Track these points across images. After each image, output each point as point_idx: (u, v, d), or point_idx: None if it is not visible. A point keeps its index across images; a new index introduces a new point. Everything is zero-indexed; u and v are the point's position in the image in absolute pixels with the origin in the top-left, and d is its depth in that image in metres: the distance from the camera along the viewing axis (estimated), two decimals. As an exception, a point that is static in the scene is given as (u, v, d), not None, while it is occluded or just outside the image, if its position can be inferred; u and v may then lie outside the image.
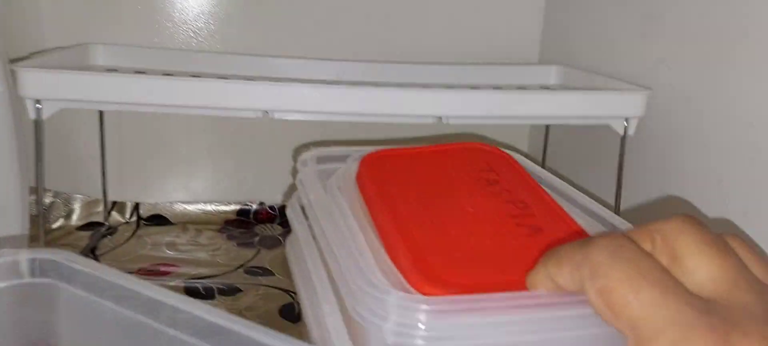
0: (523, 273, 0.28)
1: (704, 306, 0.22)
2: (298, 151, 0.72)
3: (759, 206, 0.44)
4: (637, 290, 0.22)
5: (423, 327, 0.25)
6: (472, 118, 0.56)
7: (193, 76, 0.56)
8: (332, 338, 0.31)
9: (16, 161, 0.48)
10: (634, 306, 0.22)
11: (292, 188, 0.71)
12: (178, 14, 0.67)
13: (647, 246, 0.25)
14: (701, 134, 0.49)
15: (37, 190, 0.52)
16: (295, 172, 0.44)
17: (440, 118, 0.50)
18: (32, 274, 0.30)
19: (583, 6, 0.67)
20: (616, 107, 0.53)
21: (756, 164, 0.44)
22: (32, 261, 0.30)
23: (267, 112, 0.49)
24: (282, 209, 0.73)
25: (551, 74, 0.68)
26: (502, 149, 0.43)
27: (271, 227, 0.72)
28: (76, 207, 0.69)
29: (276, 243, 0.68)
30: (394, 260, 0.29)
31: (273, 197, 0.73)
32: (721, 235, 0.25)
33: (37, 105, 0.47)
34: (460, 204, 0.35)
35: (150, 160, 0.70)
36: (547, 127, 0.71)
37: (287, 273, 0.62)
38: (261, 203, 0.73)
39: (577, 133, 0.68)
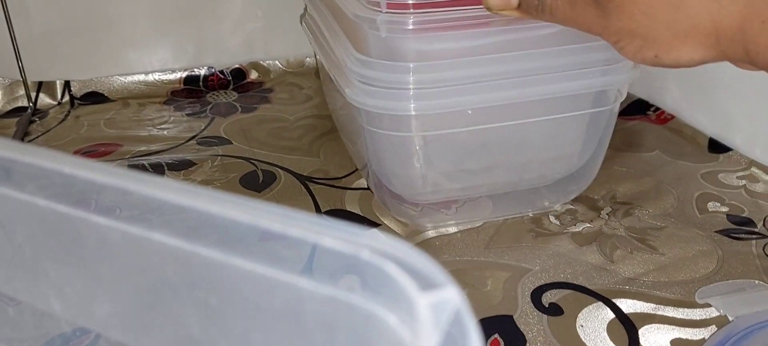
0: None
1: None
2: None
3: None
4: None
5: (411, 19, 0.33)
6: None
7: None
8: (342, 55, 0.38)
9: None
10: None
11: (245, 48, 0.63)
12: None
13: None
14: None
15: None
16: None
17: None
18: None
19: None
20: None
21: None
22: None
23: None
24: (235, 72, 0.65)
25: None
26: None
27: (225, 93, 0.64)
28: (-3, 92, 0.60)
29: (232, 110, 0.60)
30: None
31: (223, 60, 0.65)
32: None
33: None
34: None
35: (74, 31, 0.61)
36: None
37: (246, 140, 0.55)
38: (210, 68, 0.64)
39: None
